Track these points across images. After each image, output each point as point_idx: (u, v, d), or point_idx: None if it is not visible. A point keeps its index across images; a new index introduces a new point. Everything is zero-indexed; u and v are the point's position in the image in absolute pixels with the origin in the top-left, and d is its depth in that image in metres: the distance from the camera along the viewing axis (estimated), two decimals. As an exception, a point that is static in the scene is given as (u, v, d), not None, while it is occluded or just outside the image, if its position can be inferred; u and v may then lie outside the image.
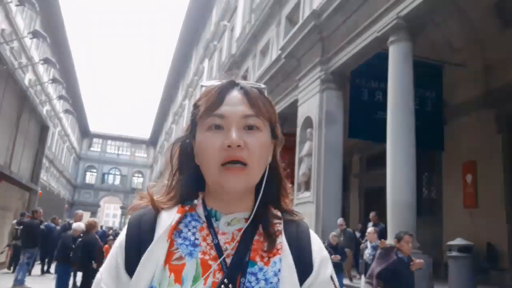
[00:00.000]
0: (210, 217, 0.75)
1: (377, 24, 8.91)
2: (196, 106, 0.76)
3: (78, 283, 8.40)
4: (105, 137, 51.51)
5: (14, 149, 10.69)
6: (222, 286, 0.67)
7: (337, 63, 10.65)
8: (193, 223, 0.75)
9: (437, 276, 7.55)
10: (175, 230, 0.73)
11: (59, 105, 30.70)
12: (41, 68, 24.10)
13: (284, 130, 13.66)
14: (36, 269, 10.57)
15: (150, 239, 0.71)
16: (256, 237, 0.74)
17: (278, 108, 14.06)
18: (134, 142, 52.90)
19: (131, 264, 0.70)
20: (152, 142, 52.18)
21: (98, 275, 0.74)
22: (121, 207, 51.74)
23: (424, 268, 7.59)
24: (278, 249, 0.72)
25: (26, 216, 9.26)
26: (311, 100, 11.41)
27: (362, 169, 17.31)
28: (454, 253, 6.99)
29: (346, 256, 7.31)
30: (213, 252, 0.71)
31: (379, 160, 10.99)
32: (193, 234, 0.73)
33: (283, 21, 14.60)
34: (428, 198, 14.26)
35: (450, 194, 12.86)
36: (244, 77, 18.80)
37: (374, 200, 14.98)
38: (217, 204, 0.75)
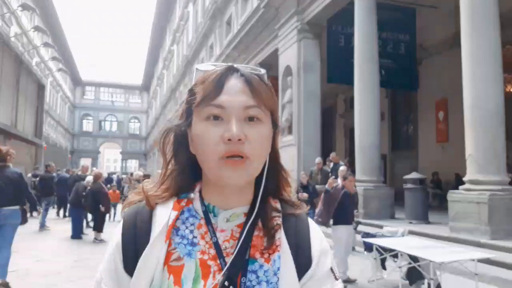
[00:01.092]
0: (208, 213, 0.71)
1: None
2: (192, 92, 0.70)
3: (90, 224, 9.91)
4: (97, 85, 51.78)
5: (17, 110, 11.70)
6: None
7: (312, 13, 11.28)
8: (191, 219, 0.72)
9: (401, 204, 8.89)
10: (173, 228, 0.70)
11: (48, 56, 30.84)
12: (24, 20, 24.07)
13: (269, 76, 14.75)
14: (52, 213, 12.06)
15: (147, 237, 0.69)
16: (255, 233, 0.71)
17: (261, 56, 14.83)
18: (127, 88, 53.24)
19: (129, 263, 0.69)
20: (145, 87, 52.56)
21: (98, 275, 0.72)
22: (121, 152, 53.41)
23: (388, 198, 9.03)
24: (277, 245, 0.70)
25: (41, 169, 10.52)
26: (290, 50, 12.18)
27: (346, 109, 18.35)
28: (409, 185, 8.31)
29: (318, 194, 8.16)
30: (212, 251, 0.69)
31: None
32: (191, 232, 0.70)
33: (264, -34, 14.79)
34: (406, 135, 15.51)
35: (425, 130, 14.09)
36: (228, 23, 19.18)
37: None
38: (215, 197, 0.72)
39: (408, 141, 15.34)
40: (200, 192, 0.74)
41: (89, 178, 9.09)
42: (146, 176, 10.00)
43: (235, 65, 0.71)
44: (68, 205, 10.61)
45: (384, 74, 12.52)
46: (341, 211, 5.32)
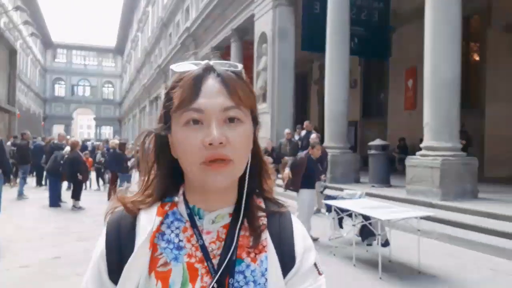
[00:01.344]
0: (193, 216, 0.71)
1: None
2: (168, 97, 0.68)
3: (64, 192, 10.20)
4: (69, 47, 50.23)
5: (-13, 77, 11.58)
6: None
7: (287, -21, 11.37)
8: (176, 223, 0.71)
9: (366, 169, 9.51)
10: (157, 233, 0.70)
11: (17, 16, 29.65)
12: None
13: (245, 41, 14.40)
14: (32, 182, 12.25)
15: (131, 244, 0.69)
16: (242, 232, 0.71)
17: (237, 22, 14.86)
18: (101, 51, 51.84)
19: (114, 273, 0.68)
20: (119, 50, 51.29)
21: (83, 284, 0.72)
22: (94, 119, 52.68)
23: (353, 164, 9.61)
24: (264, 246, 0.70)
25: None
26: (265, 16, 12.31)
27: (322, 76, 18.69)
28: (373, 151, 8.89)
29: (281, 161, 8.45)
30: (199, 254, 0.69)
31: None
32: (177, 235, 0.70)
33: None
34: (377, 102, 16.09)
35: (394, 97, 14.67)
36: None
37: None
38: (199, 199, 0.71)
39: (378, 108, 15.92)
40: (184, 195, 0.73)
41: (67, 148, 9.30)
42: (122, 145, 10.25)
43: (211, 63, 0.69)
44: (45, 174, 10.80)
45: (357, 43, 12.88)
46: (306, 176, 5.80)
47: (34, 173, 12.80)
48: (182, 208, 0.72)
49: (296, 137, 10.32)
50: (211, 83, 0.66)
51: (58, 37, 50.12)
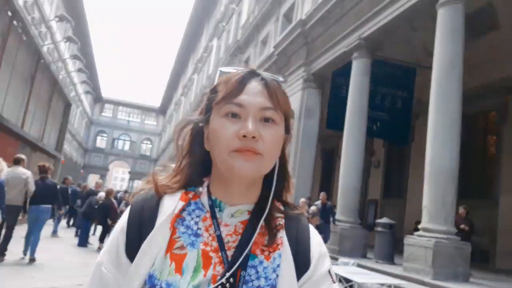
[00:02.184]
0: (214, 207, 0.76)
1: (345, 40, 11.17)
2: (214, 91, 0.76)
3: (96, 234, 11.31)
4: (116, 103, 54.43)
5: (45, 125, 13.47)
6: (223, 279, 0.69)
7: (317, 66, 12.94)
8: (197, 211, 0.76)
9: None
10: (178, 218, 0.74)
11: (74, 71, 33.19)
12: (58, 34, 26.32)
13: None
14: (63, 222, 13.55)
15: (152, 224, 0.73)
16: (259, 230, 0.74)
17: (271, 97, 16.46)
18: (145, 109, 55.74)
19: (131, 249, 0.72)
20: (162, 110, 54.95)
21: (99, 258, 0.76)
22: (129, 172, 55.16)
23: (362, 239, 10.23)
24: (278, 244, 0.74)
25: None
26: (295, 95, 13.77)
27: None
28: (379, 229, 9.55)
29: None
30: (215, 244, 0.72)
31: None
32: (196, 223, 0.74)
33: (281, 17, 16.73)
34: (397, 184, 16.72)
35: (413, 181, 15.29)
36: (246, 62, 21.04)
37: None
38: (221, 194, 0.76)
39: (399, 190, 16.50)
40: (208, 187, 0.78)
41: (101, 194, 10.60)
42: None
43: (256, 70, 0.78)
44: (78, 216, 12.06)
45: (379, 126, 14.00)
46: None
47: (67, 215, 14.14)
48: (204, 199, 0.77)
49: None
50: (254, 84, 0.73)
51: (106, 92, 55.00)
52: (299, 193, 12.55)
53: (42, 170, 7.46)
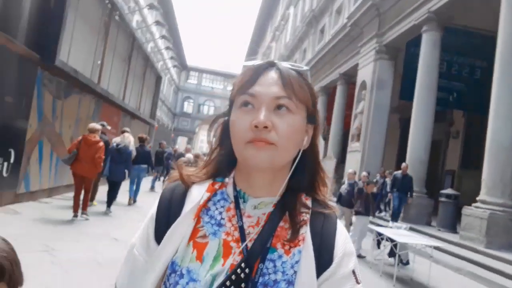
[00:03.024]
0: (238, 198, 0.77)
1: (415, 13, 11.22)
2: (234, 85, 0.78)
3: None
4: (201, 71, 57.37)
5: (141, 97, 15.51)
6: (239, 269, 0.69)
7: (389, 37, 13.07)
8: (222, 202, 0.78)
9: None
10: (204, 208, 0.77)
11: (161, 42, 35.82)
12: (146, 12, 28.64)
13: (350, 83, 16.28)
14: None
15: (179, 212, 0.76)
16: (281, 224, 0.75)
17: (344, 68, 16.86)
18: (227, 76, 57.98)
19: (159, 234, 0.75)
20: (243, 77, 56.73)
21: (133, 240, 0.81)
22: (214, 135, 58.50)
23: (427, 208, 10.72)
24: (299, 240, 0.73)
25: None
26: (367, 67, 14.09)
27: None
28: (443, 199, 9.97)
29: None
30: (237, 234, 0.74)
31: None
32: (220, 213, 0.77)
33: (356, -14, 16.71)
34: (476, 154, 16.35)
35: (494, 152, 14.93)
36: (321, 31, 21.32)
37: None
38: (245, 185, 0.77)
39: (477, 160, 16.17)
40: (234, 178, 0.80)
41: (189, 156, 12.25)
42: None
43: (275, 61, 0.77)
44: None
45: (455, 97, 13.87)
46: (363, 205, 7.50)
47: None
48: (230, 189, 0.79)
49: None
50: (270, 75, 0.74)
51: (191, 60, 58.29)
52: (370, 164, 13.20)
53: (141, 140, 9.59)
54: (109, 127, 8.51)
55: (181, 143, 53.59)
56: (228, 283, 0.68)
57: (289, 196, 0.77)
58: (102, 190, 8.60)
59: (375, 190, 7.88)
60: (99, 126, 7.03)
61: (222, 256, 0.72)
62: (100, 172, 7.17)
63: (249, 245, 0.73)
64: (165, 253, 0.73)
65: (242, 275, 0.69)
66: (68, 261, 4.31)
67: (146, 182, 11.85)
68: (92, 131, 6.60)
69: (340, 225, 0.80)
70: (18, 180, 6.86)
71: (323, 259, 0.73)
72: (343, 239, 0.77)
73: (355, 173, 8.71)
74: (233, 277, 0.69)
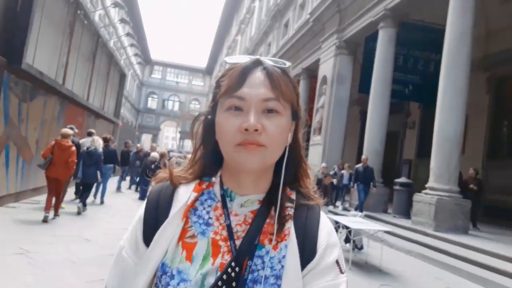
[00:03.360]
0: (225, 197, 0.78)
1: (373, 10, 11.89)
2: (217, 84, 0.77)
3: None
4: (165, 65, 56.83)
5: (105, 95, 15.54)
6: (229, 269, 0.71)
7: (349, 33, 13.74)
8: (209, 201, 0.79)
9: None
10: (191, 208, 0.78)
11: (123, 31, 35.27)
12: (111, 12, 28.35)
13: (312, 77, 16.89)
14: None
15: (167, 214, 0.77)
16: (268, 220, 0.76)
17: (307, 62, 17.46)
18: (192, 70, 57.76)
19: (148, 236, 0.77)
20: (208, 71, 56.73)
21: (121, 242, 0.81)
22: (179, 132, 58.24)
23: (383, 196, 11.47)
24: (285, 235, 0.75)
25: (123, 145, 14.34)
26: (328, 62, 14.73)
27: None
28: (397, 187, 10.75)
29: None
30: (224, 233, 0.75)
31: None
32: (208, 213, 0.78)
33: (317, -18, 17.28)
34: (431, 144, 17.40)
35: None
36: (286, 25, 21.84)
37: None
38: (233, 183, 0.78)
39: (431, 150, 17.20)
40: (221, 177, 0.81)
41: (154, 155, 12.49)
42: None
43: (260, 59, 0.76)
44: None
45: (411, 89, 14.74)
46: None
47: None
48: (217, 188, 0.80)
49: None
50: (256, 75, 0.74)
51: (155, 55, 57.68)
52: (331, 156, 13.87)
53: (106, 140, 9.92)
54: (77, 130, 8.69)
55: (145, 141, 53.13)
56: (220, 283, 0.70)
57: (275, 191, 0.78)
58: (69, 192, 8.78)
59: (334, 181, 8.47)
60: (71, 131, 7.35)
61: (211, 255, 0.74)
62: (72, 175, 7.47)
63: (238, 243, 0.74)
64: (154, 255, 0.74)
65: (233, 274, 0.71)
66: (44, 262, 4.57)
67: (112, 182, 12.05)
68: (65, 136, 6.96)
69: (324, 216, 0.81)
70: (-15, 185, 6.98)
71: (307, 251, 0.75)
72: (327, 231, 0.79)
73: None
74: (224, 276, 0.70)
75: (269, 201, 0.78)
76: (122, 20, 27.19)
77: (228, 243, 0.75)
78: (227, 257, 0.73)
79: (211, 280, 0.71)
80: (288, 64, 0.78)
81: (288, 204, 0.78)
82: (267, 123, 0.72)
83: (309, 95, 17.47)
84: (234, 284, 0.70)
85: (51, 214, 6.92)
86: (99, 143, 8.45)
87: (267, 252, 0.74)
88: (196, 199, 0.80)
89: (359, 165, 11.26)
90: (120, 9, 26.54)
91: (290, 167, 0.79)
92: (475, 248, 7.24)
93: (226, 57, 0.79)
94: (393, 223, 9.45)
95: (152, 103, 56.52)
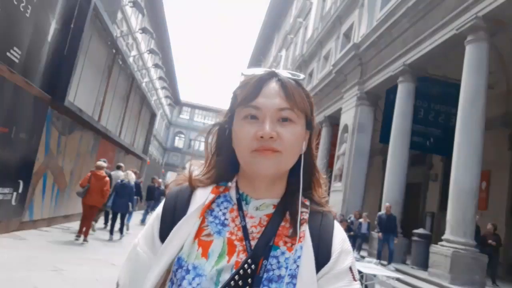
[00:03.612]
0: (241, 200, 0.82)
1: (393, 65, 12.47)
2: (234, 94, 0.82)
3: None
4: (193, 106, 58.79)
5: (136, 133, 16.42)
6: (245, 265, 0.73)
7: (370, 85, 14.29)
8: (225, 204, 0.82)
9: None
10: (208, 209, 0.81)
11: (156, 74, 37.07)
12: (142, 44, 30.05)
13: (334, 125, 17.32)
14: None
15: (184, 213, 0.81)
16: (282, 223, 0.79)
17: (329, 111, 18.01)
18: (219, 112, 59.26)
19: (164, 233, 0.79)
20: (235, 114, 58.10)
21: (136, 240, 0.84)
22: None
23: (402, 247, 11.48)
24: (301, 237, 0.76)
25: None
26: (349, 112, 15.22)
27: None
28: (415, 238, 10.79)
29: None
30: (240, 233, 0.78)
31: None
32: (224, 214, 0.81)
33: (341, 36, 18.18)
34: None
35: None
36: (310, 75, 22.70)
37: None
38: (248, 188, 0.82)
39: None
40: (236, 182, 0.85)
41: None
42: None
43: (275, 71, 0.81)
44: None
45: (432, 142, 14.96)
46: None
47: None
48: (233, 192, 0.84)
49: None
50: (272, 86, 0.78)
51: (184, 96, 59.95)
52: (351, 203, 14.04)
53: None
54: (108, 164, 9.42)
55: (171, 178, 53.85)
56: (236, 277, 0.72)
57: (289, 197, 0.81)
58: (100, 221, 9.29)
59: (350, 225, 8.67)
60: (105, 164, 8.19)
61: (227, 253, 0.76)
62: (105, 203, 8.23)
63: (253, 243, 0.76)
64: (169, 250, 0.77)
65: (249, 271, 0.73)
66: (75, 279, 5.03)
67: (137, 215, 12.55)
68: (100, 168, 7.88)
69: (338, 225, 0.84)
70: (24, 209, 7.58)
71: (322, 255, 0.77)
72: (341, 237, 0.81)
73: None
74: (241, 272, 0.73)
75: (283, 205, 0.81)
76: (155, 65, 28.83)
77: (244, 243, 0.77)
78: (242, 256, 0.75)
79: (226, 276, 0.73)
80: (302, 76, 0.83)
81: (303, 209, 0.81)
82: (282, 131, 0.75)
83: (331, 141, 17.90)
84: (249, 280, 0.72)
85: (81, 238, 7.52)
86: (132, 177, 9.25)
87: (282, 253, 0.76)
88: (213, 201, 0.83)
89: (382, 213, 11.09)
90: (156, 55, 28.22)
91: (304, 174, 0.82)
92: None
93: (243, 70, 0.83)
94: (410, 273, 9.45)
95: (179, 142, 58.00)
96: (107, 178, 7.89)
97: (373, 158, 17.84)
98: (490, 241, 9.54)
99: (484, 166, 14.82)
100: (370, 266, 7.21)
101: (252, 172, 0.78)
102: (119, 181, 9.08)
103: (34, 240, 7.12)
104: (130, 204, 9.05)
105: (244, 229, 0.78)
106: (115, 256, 7.02)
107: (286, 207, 0.81)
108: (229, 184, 0.85)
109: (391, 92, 14.46)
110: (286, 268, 0.74)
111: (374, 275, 6.74)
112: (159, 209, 0.85)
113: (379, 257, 10.90)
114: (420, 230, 11.01)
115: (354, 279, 0.77)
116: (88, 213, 7.83)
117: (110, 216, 9.32)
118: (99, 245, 7.94)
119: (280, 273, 0.74)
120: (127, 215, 10.19)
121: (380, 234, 11.08)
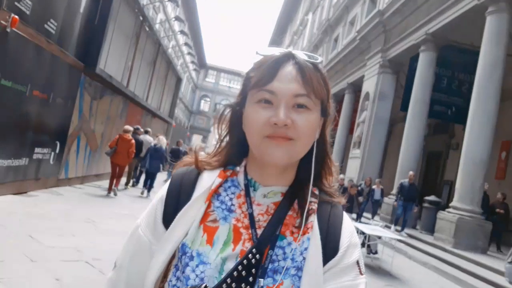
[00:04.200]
0: (248, 186, 0.79)
1: (415, 33, 12.47)
2: (248, 76, 0.77)
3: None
4: (219, 70, 59.07)
5: (162, 97, 17.15)
6: (250, 255, 0.71)
7: (393, 53, 14.34)
8: (232, 189, 0.80)
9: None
10: (215, 193, 0.79)
11: (182, 40, 37.49)
12: (169, 8, 30.39)
13: (357, 92, 17.71)
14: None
15: (189, 196, 0.78)
16: (290, 212, 0.77)
17: (352, 78, 18.14)
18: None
19: (168, 217, 0.77)
20: (261, 78, 58.13)
21: (138, 221, 0.83)
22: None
23: (415, 212, 11.97)
24: (308, 228, 0.75)
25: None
26: (371, 79, 15.37)
27: (429, 133, 20.54)
28: (426, 204, 11.24)
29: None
30: (246, 221, 0.75)
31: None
32: (230, 199, 0.78)
33: (367, 1, 17.97)
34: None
35: (489, 165, 15.97)
36: (335, 40, 22.60)
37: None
38: (257, 174, 0.79)
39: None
40: (245, 167, 0.81)
41: (202, 154, 13.90)
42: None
43: (293, 52, 0.75)
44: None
45: (454, 111, 15.02)
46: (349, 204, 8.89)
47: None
48: (241, 177, 0.81)
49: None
50: (288, 69, 0.73)
51: (210, 59, 60.23)
52: (368, 171, 14.48)
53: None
54: (142, 130, 10.69)
55: (196, 141, 55.42)
56: (240, 267, 0.70)
57: (298, 185, 0.79)
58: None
59: (360, 198, 9.21)
60: (131, 128, 9.12)
61: (232, 241, 0.74)
62: (138, 162, 9.71)
63: (259, 232, 0.74)
64: (175, 236, 0.75)
65: (253, 261, 0.71)
66: (106, 230, 5.85)
67: (160, 175, 13.46)
68: (127, 131, 8.76)
69: (346, 216, 0.82)
70: (60, 167, 8.46)
71: (329, 248, 0.75)
72: (349, 230, 0.79)
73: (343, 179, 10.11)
74: (245, 261, 0.71)
75: (292, 194, 0.79)
76: (181, 32, 29.20)
77: (250, 231, 0.75)
78: (248, 245, 0.73)
79: (230, 264, 0.71)
80: (320, 59, 0.78)
81: (312, 199, 0.79)
82: (296, 118, 0.71)
83: (353, 108, 18.14)
84: (253, 270, 0.71)
85: (111, 193, 8.66)
86: (163, 142, 10.31)
87: (289, 244, 0.74)
88: (220, 185, 0.80)
89: (405, 180, 11.15)
90: (180, 21, 28.49)
91: (316, 163, 0.79)
92: (488, 267, 7.72)
93: (258, 48, 0.78)
94: (417, 237, 10.00)
95: (205, 106, 58.83)
96: (133, 141, 8.83)
97: (394, 126, 18.04)
98: (498, 209, 9.89)
99: (504, 136, 15.00)
100: (375, 229, 7.79)
101: (263, 159, 0.74)
102: (152, 145, 10.16)
103: (69, 195, 8.03)
104: (161, 165, 10.11)
105: (251, 216, 0.77)
106: (141, 211, 7.84)
107: (294, 196, 0.79)
108: (237, 168, 0.83)
109: (414, 60, 14.44)
110: (292, 259, 0.73)
111: (379, 237, 7.33)
112: (164, 191, 0.82)
113: (396, 223, 11.24)
114: (431, 197, 11.43)
115: (361, 273, 0.76)
116: (115, 172, 8.88)
117: (143, 176, 10.60)
118: (128, 201, 8.84)
119: (285, 264, 0.72)
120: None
121: (395, 202, 11.20)
